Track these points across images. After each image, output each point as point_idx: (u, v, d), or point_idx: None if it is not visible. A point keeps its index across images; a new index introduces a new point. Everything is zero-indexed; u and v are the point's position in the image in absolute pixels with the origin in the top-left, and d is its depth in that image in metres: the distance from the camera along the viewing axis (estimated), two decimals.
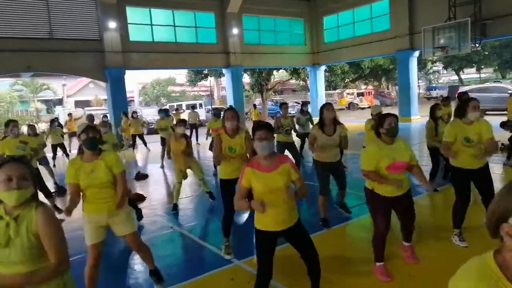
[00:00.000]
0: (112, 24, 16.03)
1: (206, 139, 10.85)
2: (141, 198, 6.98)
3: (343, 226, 4.99)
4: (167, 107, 25.96)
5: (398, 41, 18.32)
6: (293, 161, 2.82)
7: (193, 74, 30.48)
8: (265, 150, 2.66)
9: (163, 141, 10.67)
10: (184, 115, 18.61)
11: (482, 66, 41.32)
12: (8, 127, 5.94)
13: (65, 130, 14.11)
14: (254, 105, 18.48)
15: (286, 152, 7.54)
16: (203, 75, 30.54)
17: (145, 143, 14.18)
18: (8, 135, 6.00)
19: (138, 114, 16.97)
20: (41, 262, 1.87)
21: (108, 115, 16.20)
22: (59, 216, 3.09)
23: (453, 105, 8.06)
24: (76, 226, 4.93)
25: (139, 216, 5.67)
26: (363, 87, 43.15)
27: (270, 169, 2.68)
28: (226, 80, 21.94)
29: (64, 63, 15.37)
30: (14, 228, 1.82)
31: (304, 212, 5.70)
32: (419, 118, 18.25)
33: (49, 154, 9.77)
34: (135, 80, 39.55)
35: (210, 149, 9.04)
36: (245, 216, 5.57)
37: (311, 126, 8.00)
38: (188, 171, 6.37)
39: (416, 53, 18.30)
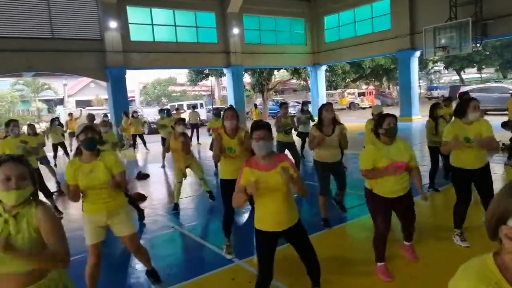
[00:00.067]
0: (113, 24, 16.04)
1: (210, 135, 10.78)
2: (142, 197, 6.99)
3: (344, 226, 4.99)
4: (168, 106, 25.97)
5: (399, 41, 18.30)
6: (292, 160, 2.81)
7: (194, 74, 30.48)
8: (262, 150, 2.65)
9: (164, 141, 10.68)
10: (185, 115, 18.63)
11: (483, 66, 41.26)
12: (9, 126, 5.96)
13: (65, 129, 14.09)
14: (255, 105, 18.47)
15: (286, 152, 7.55)
16: (204, 75, 30.54)
17: (144, 143, 14.20)
18: (9, 135, 6.02)
19: (139, 114, 17.00)
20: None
21: (108, 114, 16.23)
22: (58, 215, 3.09)
23: (454, 105, 8.06)
24: (76, 226, 4.94)
25: (141, 216, 5.68)
26: (364, 87, 43.11)
27: (269, 169, 2.67)
28: (227, 80, 21.94)
29: (65, 63, 15.39)
30: (14, 225, 1.82)
31: (305, 212, 5.70)
32: (420, 118, 18.23)
33: (49, 154, 9.78)
34: (136, 80, 39.56)
35: (211, 149, 9.02)
36: (246, 216, 5.58)
37: (311, 125, 8.00)
38: (188, 171, 6.37)
39: (417, 53, 18.28)
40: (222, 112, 4.29)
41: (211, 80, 33.72)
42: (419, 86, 28.78)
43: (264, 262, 2.72)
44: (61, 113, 26.90)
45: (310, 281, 2.97)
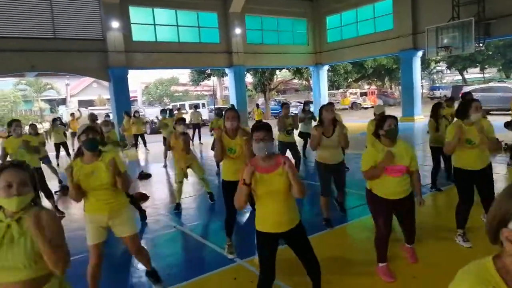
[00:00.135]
0: (115, 24, 16.08)
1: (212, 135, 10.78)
2: (144, 197, 7.01)
3: (345, 226, 4.99)
4: (169, 106, 26.00)
5: (401, 40, 18.27)
6: (293, 160, 2.79)
7: (196, 74, 30.53)
8: (262, 151, 2.63)
9: (166, 141, 10.70)
10: (187, 115, 18.65)
11: (486, 66, 41.14)
12: (11, 126, 5.99)
13: (67, 129, 14.15)
14: (257, 105, 18.44)
15: (288, 152, 7.55)
16: (206, 75, 30.59)
17: (145, 144, 14.22)
18: (11, 135, 6.05)
19: (141, 113, 17.02)
20: (40, 270, 1.83)
21: (110, 114, 16.27)
22: (59, 215, 3.08)
23: (456, 105, 8.04)
24: (77, 226, 4.95)
25: (143, 216, 5.69)
26: (366, 86, 43.04)
27: (270, 171, 2.64)
28: (229, 80, 21.97)
29: (68, 62, 15.44)
30: (17, 229, 1.82)
31: (306, 212, 5.70)
32: (422, 118, 18.19)
33: (51, 153, 9.80)
34: (138, 80, 39.63)
35: (213, 148, 9.03)
36: (248, 216, 5.58)
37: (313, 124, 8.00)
38: (190, 171, 6.37)
39: (420, 53, 18.24)
40: (223, 112, 4.28)
41: (213, 80, 33.77)
42: (422, 86, 28.70)
43: (266, 263, 2.71)
44: (64, 113, 27.01)
45: (311, 282, 2.97)
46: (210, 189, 6.58)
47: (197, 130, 15.84)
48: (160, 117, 13.17)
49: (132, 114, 14.29)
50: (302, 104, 11.74)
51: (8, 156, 5.90)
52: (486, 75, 46.03)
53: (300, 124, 9.06)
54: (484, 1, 14.87)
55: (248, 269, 3.81)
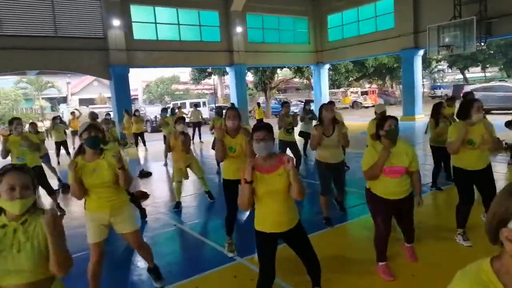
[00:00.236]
0: (116, 22, 16.07)
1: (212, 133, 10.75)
2: (145, 195, 7.02)
3: (345, 225, 4.99)
4: (170, 105, 26.01)
5: (403, 39, 18.24)
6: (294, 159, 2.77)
7: (197, 73, 30.54)
8: (262, 151, 2.63)
9: (166, 139, 10.70)
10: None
11: (487, 65, 41.08)
12: (13, 124, 6.01)
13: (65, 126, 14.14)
14: (258, 104, 18.42)
15: (288, 151, 7.55)
16: (206, 74, 30.59)
17: (144, 142, 14.23)
18: (12, 133, 6.07)
19: (141, 112, 17.04)
20: (42, 274, 1.86)
21: (111, 112, 16.28)
22: (60, 213, 3.09)
23: (457, 105, 8.02)
24: (77, 224, 4.96)
25: (143, 215, 5.69)
26: (367, 85, 43.00)
27: (270, 171, 2.64)
28: (229, 79, 21.95)
29: (69, 61, 15.44)
30: (22, 233, 1.84)
31: (306, 211, 5.70)
32: (423, 117, 18.18)
33: (51, 151, 9.81)
34: (139, 78, 39.67)
35: (213, 147, 9.04)
36: (248, 214, 5.58)
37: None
38: (189, 171, 6.36)
39: (421, 52, 18.21)
40: (224, 111, 4.28)
41: (214, 79, 33.78)
42: (423, 85, 28.69)
43: (266, 263, 2.71)
44: (64, 111, 27.01)
45: (311, 281, 2.97)
46: (209, 188, 6.58)
47: (197, 129, 15.84)
48: (161, 116, 13.15)
49: (133, 113, 14.30)
50: (303, 103, 11.73)
51: (10, 153, 5.92)
52: (488, 74, 45.96)
53: (300, 124, 9.05)
54: (486, 0, 14.83)
55: (248, 267, 3.82)
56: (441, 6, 16.15)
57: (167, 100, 41.70)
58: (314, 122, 8.36)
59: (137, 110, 14.93)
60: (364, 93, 34.59)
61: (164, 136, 11.94)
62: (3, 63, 14.17)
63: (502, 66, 40.39)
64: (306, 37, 23.07)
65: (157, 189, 8.01)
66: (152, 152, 13.65)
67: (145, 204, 6.55)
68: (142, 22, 17.38)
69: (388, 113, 4.58)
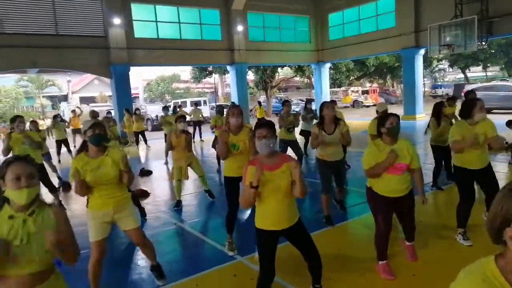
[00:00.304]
0: (117, 21, 16.07)
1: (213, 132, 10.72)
2: (145, 194, 7.02)
3: (346, 224, 4.99)
4: (171, 103, 26.04)
5: (404, 38, 18.20)
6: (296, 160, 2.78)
7: (198, 71, 30.51)
8: (265, 148, 2.63)
9: (167, 138, 10.70)
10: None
11: (488, 64, 41.01)
12: (15, 122, 6.02)
13: (66, 125, 14.16)
14: (259, 102, 18.39)
15: (289, 150, 7.55)
16: (207, 72, 30.56)
17: (145, 141, 14.25)
18: (14, 131, 6.08)
19: (142, 111, 17.05)
20: (47, 264, 1.90)
21: (112, 111, 16.30)
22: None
23: (458, 105, 8.01)
24: (78, 222, 4.95)
25: (142, 213, 5.69)
26: (368, 85, 42.96)
27: (274, 168, 2.64)
28: (230, 77, 21.94)
29: (69, 59, 15.44)
30: (33, 223, 1.85)
31: (307, 209, 5.70)
32: (424, 116, 18.16)
33: (52, 150, 9.81)
34: (140, 77, 39.65)
35: (213, 146, 9.05)
36: (248, 213, 5.58)
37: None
38: (189, 170, 6.35)
39: (422, 51, 18.17)
40: (227, 109, 4.26)
41: (215, 78, 33.77)
42: (424, 84, 28.65)
43: (266, 260, 2.71)
44: (65, 109, 27.04)
45: (311, 278, 2.97)
46: (209, 187, 6.57)
47: (197, 128, 15.84)
48: (163, 114, 13.13)
49: (133, 112, 14.30)
50: (304, 102, 11.72)
51: (12, 151, 5.93)
52: (489, 73, 45.89)
53: (302, 122, 9.05)
54: None
55: (248, 266, 3.82)
56: (442, 5, 16.12)
57: (168, 99, 41.69)
58: (315, 121, 8.39)
59: (137, 109, 14.94)
60: (365, 92, 34.53)
61: (165, 135, 11.95)
62: (4, 61, 14.17)
63: (503, 66, 40.32)
64: (307, 36, 23.04)
65: (158, 187, 8.01)
66: (152, 150, 13.66)
67: (146, 202, 6.56)
68: (143, 21, 17.37)
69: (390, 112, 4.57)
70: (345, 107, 30.64)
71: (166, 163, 10.16)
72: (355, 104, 32.47)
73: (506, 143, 7.91)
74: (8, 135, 6.12)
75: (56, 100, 38.57)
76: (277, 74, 31.47)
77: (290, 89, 46.76)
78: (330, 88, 26.13)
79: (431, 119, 5.97)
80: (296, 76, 31.86)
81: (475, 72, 46.93)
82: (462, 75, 44.86)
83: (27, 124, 8.64)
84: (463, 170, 3.89)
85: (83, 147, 3.18)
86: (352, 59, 27.49)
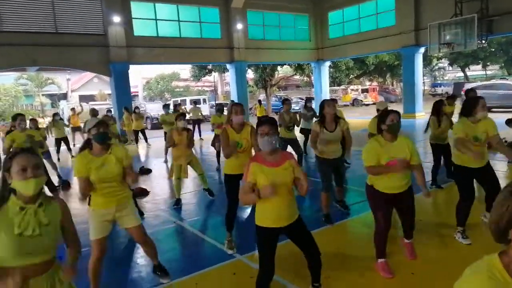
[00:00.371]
0: (117, 19, 16.04)
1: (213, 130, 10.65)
2: (145, 192, 7.02)
3: (345, 222, 4.99)
4: (170, 102, 26.04)
5: (404, 37, 18.19)
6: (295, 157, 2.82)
7: (197, 69, 30.47)
8: (268, 145, 2.64)
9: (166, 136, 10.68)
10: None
11: (488, 63, 41.00)
12: (16, 120, 6.02)
13: (67, 123, 14.16)
14: (259, 101, 18.35)
15: (289, 148, 7.55)
16: (207, 70, 30.52)
17: (146, 139, 14.25)
18: (15, 129, 6.08)
19: (141, 109, 17.03)
20: (53, 253, 1.97)
21: (111, 109, 16.28)
22: None
23: (458, 103, 8.01)
24: (77, 221, 4.95)
25: (140, 213, 5.69)
26: (368, 83, 42.93)
27: (276, 164, 2.66)
28: (230, 76, 21.93)
29: (69, 57, 15.42)
30: (44, 214, 1.89)
31: (306, 208, 5.70)
32: (423, 115, 18.16)
33: (51, 148, 9.81)
34: (139, 75, 39.60)
35: (213, 145, 9.03)
36: (248, 211, 5.58)
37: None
38: (189, 169, 6.34)
39: (422, 50, 18.17)
40: (229, 107, 4.23)
41: (214, 76, 33.73)
42: (423, 82, 28.64)
43: (266, 258, 2.72)
44: (64, 107, 27.01)
45: (311, 276, 2.98)
46: (208, 185, 6.57)
47: (197, 126, 15.83)
48: (163, 113, 13.08)
49: (133, 110, 14.28)
50: (303, 101, 11.71)
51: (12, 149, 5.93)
52: (488, 72, 45.88)
53: (302, 121, 9.05)
54: None
55: (247, 265, 3.83)
56: (442, 4, 16.11)
57: (167, 97, 41.65)
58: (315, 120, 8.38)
59: (137, 107, 14.92)
60: (364, 90, 34.51)
61: (165, 133, 11.94)
62: (3, 59, 14.15)
63: (503, 64, 40.30)
64: (306, 34, 23.02)
65: (157, 186, 8.01)
66: (152, 148, 13.66)
67: (145, 200, 6.56)
68: (142, 19, 17.34)
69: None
70: (345, 105, 30.61)
71: (166, 161, 10.15)
72: (355, 102, 32.46)
73: (506, 141, 7.92)
74: (9, 133, 6.12)
75: (56, 98, 38.52)
76: (277, 72, 31.44)
77: (289, 87, 46.72)
78: (329, 86, 26.12)
79: (431, 117, 5.97)
80: (295, 74, 31.84)
81: (474, 70, 46.92)
82: (461, 74, 44.84)
83: (27, 122, 8.64)
84: (463, 169, 3.89)
85: (87, 145, 3.20)
86: (352, 58, 27.47)
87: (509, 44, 34.71)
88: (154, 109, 24.17)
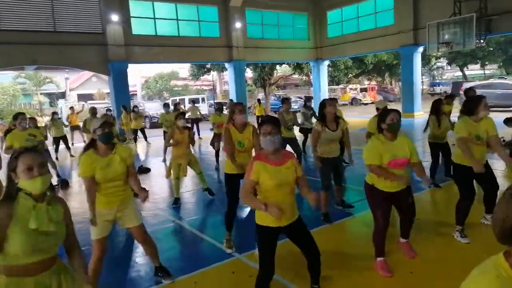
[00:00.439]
0: (115, 17, 16.00)
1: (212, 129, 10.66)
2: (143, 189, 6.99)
3: (344, 221, 5.00)
4: (169, 101, 26.00)
5: (402, 36, 18.20)
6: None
7: (196, 68, 30.40)
8: (271, 144, 2.64)
9: (165, 135, 10.67)
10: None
11: (487, 62, 41.06)
12: (17, 120, 6.00)
13: (66, 123, 14.15)
14: (259, 100, 18.34)
15: (288, 148, 7.55)
16: (205, 69, 30.46)
17: (145, 138, 14.23)
18: (14, 128, 6.06)
19: (140, 108, 16.99)
20: (56, 252, 1.98)
21: (111, 108, 16.25)
22: None
23: (456, 103, 8.02)
24: (80, 219, 4.95)
25: None
26: (366, 82, 42.95)
27: (279, 163, 2.67)
28: (228, 75, 21.91)
29: (67, 56, 15.38)
30: (55, 212, 1.92)
31: (305, 207, 5.70)
32: (422, 114, 18.19)
33: (50, 147, 9.79)
34: (138, 74, 39.53)
35: (212, 144, 9.03)
36: (247, 210, 5.58)
37: (314, 121, 8.01)
38: (189, 169, 6.34)
39: (420, 49, 18.18)
40: (229, 106, 4.24)
41: (213, 75, 33.68)
42: (422, 82, 28.65)
43: (266, 258, 2.72)
44: (63, 106, 26.94)
45: (310, 276, 2.98)
46: (207, 184, 6.57)
47: (195, 125, 15.81)
48: (163, 112, 13.05)
49: (132, 109, 14.26)
50: (303, 100, 11.71)
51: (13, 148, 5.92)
52: (487, 71, 45.96)
53: (301, 120, 9.05)
54: None
55: (246, 264, 3.83)
56: (441, 3, 16.11)
57: (166, 96, 41.59)
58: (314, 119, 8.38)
59: (136, 106, 14.89)
60: (363, 90, 34.55)
61: (164, 132, 11.92)
62: (1, 58, 14.11)
63: (501, 63, 40.38)
64: (305, 33, 23.01)
65: (156, 185, 8.01)
66: (151, 147, 13.64)
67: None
68: (141, 18, 17.31)
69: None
70: (344, 104, 30.62)
71: (164, 160, 10.13)
72: (354, 101, 32.48)
73: (504, 141, 7.94)
74: (8, 132, 6.10)
75: (54, 97, 38.43)
76: (276, 71, 31.41)
77: (288, 86, 46.69)
78: (328, 85, 26.12)
79: (430, 116, 5.97)
80: (294, 73, 31.80)
81: (473, 70, 46.98)
82: (460, 73, 44.89)
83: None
84: (462, 168, 3.90)
85: (91, 145, 3.21)
86: (350, 57, 27.46)
87: (508, 44, 34.78)
88: (153, 108, 24.13)
